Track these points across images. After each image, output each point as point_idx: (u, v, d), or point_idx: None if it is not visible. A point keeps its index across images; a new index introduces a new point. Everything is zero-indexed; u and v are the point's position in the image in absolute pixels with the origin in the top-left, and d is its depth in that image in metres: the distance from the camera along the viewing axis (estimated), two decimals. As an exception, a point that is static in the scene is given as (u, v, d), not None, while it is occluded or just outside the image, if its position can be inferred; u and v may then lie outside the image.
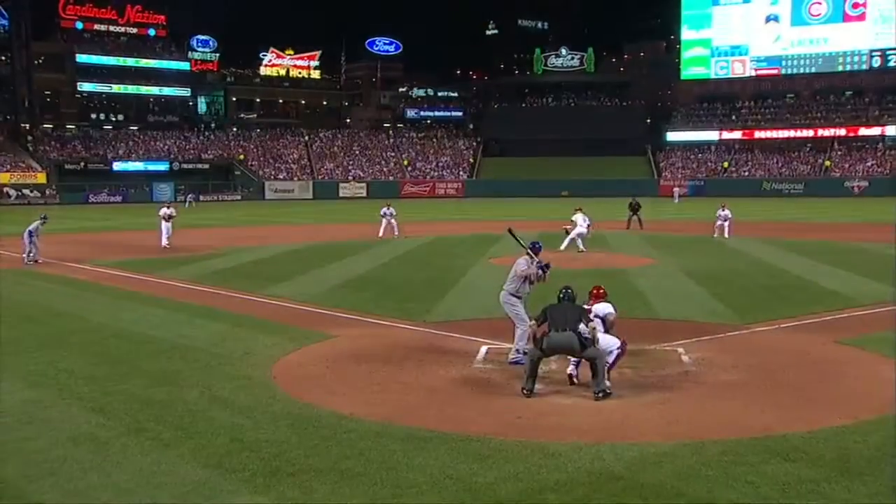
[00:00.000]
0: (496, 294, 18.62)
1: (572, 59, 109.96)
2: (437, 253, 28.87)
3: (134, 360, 12.22)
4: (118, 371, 11.55)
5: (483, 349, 12.89)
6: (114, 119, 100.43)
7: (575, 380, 10.78)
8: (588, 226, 28.80)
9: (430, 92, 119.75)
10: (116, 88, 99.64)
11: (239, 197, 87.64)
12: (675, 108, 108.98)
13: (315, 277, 22.19)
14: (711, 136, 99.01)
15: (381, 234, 34.91)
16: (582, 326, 10.34)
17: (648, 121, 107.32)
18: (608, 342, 10.76)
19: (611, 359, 10.67)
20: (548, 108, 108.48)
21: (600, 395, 10.07)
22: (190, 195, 77.53)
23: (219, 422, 9.20)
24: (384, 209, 36.04)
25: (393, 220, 35.41)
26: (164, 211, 31.54)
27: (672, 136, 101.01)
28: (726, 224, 33.91)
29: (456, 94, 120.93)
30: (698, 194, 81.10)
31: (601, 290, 11.64)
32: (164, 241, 30.70)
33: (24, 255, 25.65)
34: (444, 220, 50.29)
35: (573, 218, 29.02)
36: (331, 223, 48.58)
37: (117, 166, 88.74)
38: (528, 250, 12.29)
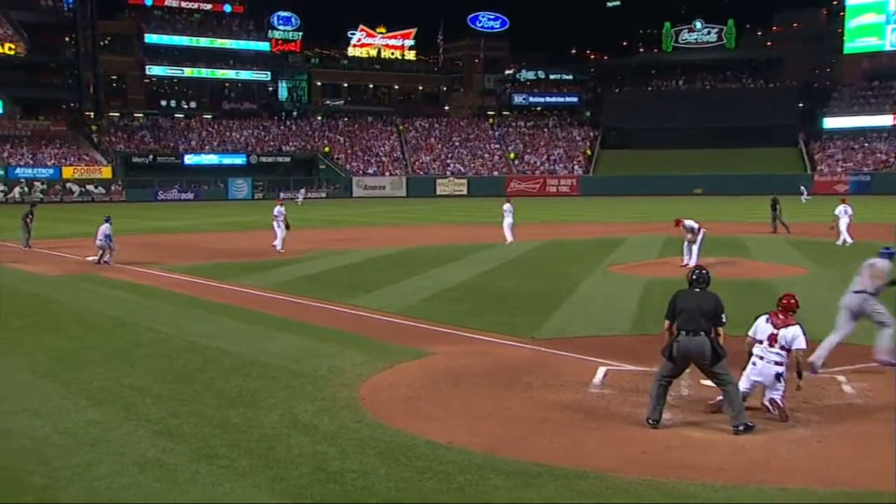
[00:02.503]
0: (615, 307, 18.41)
1: (709, 33, 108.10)
2: (548, 260, 28.74)
3: (206, 378, 12.53)
4: (189, 389, 11.85)
5: (601, 371, 12.76)
6: (185, 106, 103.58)
7: (771, 409, 10.37)
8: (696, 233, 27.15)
9: (541, 74, 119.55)
10: (188, 72, 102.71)
11: (324, 194, 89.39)
12: (836, 89, 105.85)
13: (409, 286, 22.38)
14: (883, 120, 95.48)
15: (510, 237, 34.54)
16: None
17: (801, 105, 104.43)
18: (776, 389, 10.37)
19: (777, 394, 10.37)
20: (678, 91, 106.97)
21: (741, 428, 9.80)
22: (301, 189, 78.78)
23: (300, 449, 9.33)
24: (507, 206, 35.68)
25: (509, 219, 34.94)
26: (277, 210, 32.23)
27: (831, 123, 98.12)
28: (842, 225, 32.70)
29: (570, 77, 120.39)
30: (863, 191, 78.39)
31: (793, 301, 10.78)
32: (280, 246, 31.31)
33: (108, 257, 27.52)
34: (555, 221, 50.06)
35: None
36: (427, 224, 48.95)
37: (189, 159, 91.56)
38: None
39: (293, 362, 13.43)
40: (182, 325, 16.81)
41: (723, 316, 10.15)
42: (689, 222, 26.51)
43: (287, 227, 31.75)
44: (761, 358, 10.43)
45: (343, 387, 11.95)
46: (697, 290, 10.29)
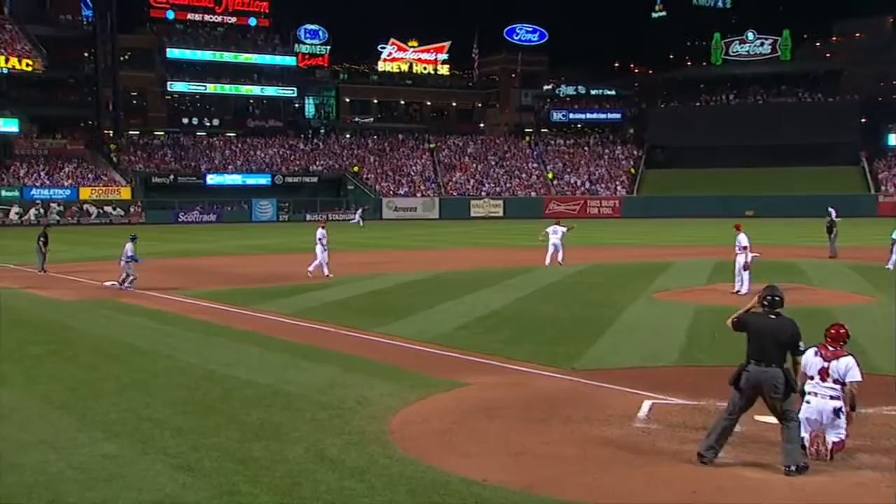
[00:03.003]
0: (661, 336, 18.29)
1: (762, 44, 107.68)
2: (589, 285, 28.68)
3: (228, 409, 12.58)
4: (209, 421, 11.91)
5: (646, 405, 12.68)
6: (208, 124, 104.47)
7: (820, 450, 10.08)
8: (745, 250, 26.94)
9: (582, 90, 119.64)
10: (211, 88, 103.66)
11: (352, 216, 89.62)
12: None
13: (441, 313, 22.43)
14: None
15: (548, 261, 34.77)
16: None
17: (863, 120, 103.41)
18: (837, 427, 10.05)
19: (840, 434, 10.05)
20: (729, 106, 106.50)
21: (792, 469, 9.58)
22: (358, 210, 79.17)
23: (326, 485, 9.34)
24: (553, 227, 35.92)
25: (559, 242, 35.10)
26: (320, 232, 32.16)
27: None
28: None
29: (613, 92, 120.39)
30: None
31: (842, 331, 10.35)
32: (311, 268, 31.27)
33: (127, 283, 27.69)
34: (596, 244, 49.88)
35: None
36: (461, 247, 49.01)
37: (211, 180, 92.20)
38: None
39: (319, 393, 13.47)
40: (202, 354, 16.92)
41: (800, 344, 9.94)
42: (744, 236, 26.47)
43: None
44: (815, 394, 10.15)
45: (372, 419, 11.95)
46: (772, 316, 10.00)
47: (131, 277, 27.72)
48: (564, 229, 35.73)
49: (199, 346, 17.84)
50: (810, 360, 10.27)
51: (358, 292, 27.01)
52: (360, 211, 78.51)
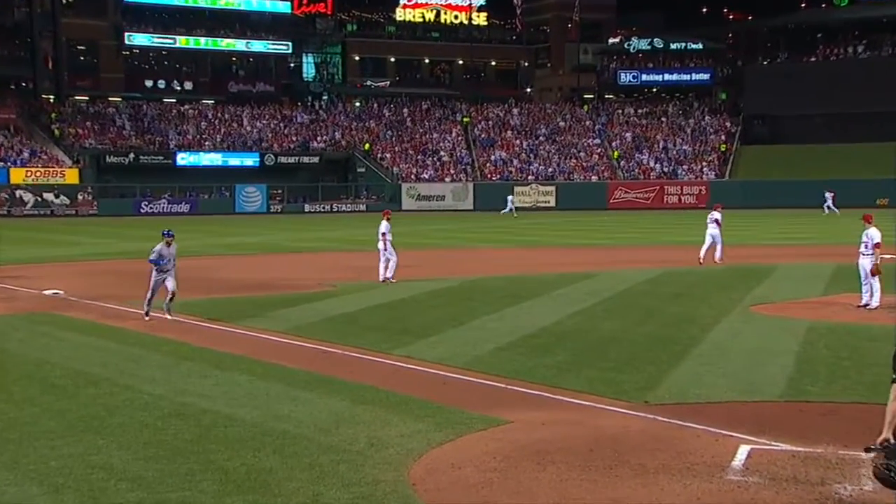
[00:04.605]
0: (762, 362, 18.20)
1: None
2: (666, 296, 28.65)
3: (204, 453, 12.63)
4: (180, 469, 11.94)
5: (743, 450, 12.63)
6: (178, 88, 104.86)
7: None
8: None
9: (658, 43, 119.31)
10: (182, 42, 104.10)
11: (363, 206, 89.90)
12: None
13: (477, 331, 22.46)
14: None
15: (705, 257, 36.46)
16: None
17: None
18: None
19: None
20: (856, 62, 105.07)
21: None
22: (510, 198, 79.70)
23: (328, 551, 9.38)
24: (713, 214, 37.68)
25: (716, 233, 36.92)
26: (384, 226, 32.33)
27: None
28: None
29: (699, 47, 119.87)
30: None
31: None
32: (383, 273, 31.96)
33: (168, 304, 24.76)
34: (677, 242, 49.75)
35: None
36: (500, 247, 49.08)
37: (183, 159, 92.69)
38: None
39: (321, 433, 13.52)
40: (172, 383, 17.00)
41: None
42: (875, 231, 25.68)
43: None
44: None
45: (388, 466, 11.99)
46: None
47: (148, 295, 24.94)
48: (719, 216, 37.20)
49: (167, 373, 17.91)
50: None
51: (370, 303, 27.13)
52: (511, 197, 79.36)
